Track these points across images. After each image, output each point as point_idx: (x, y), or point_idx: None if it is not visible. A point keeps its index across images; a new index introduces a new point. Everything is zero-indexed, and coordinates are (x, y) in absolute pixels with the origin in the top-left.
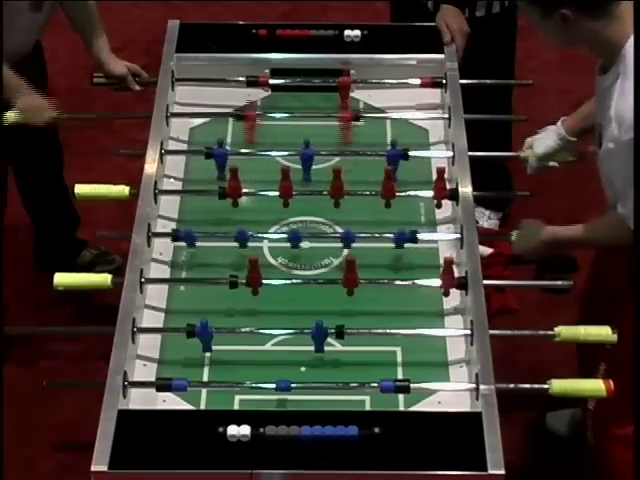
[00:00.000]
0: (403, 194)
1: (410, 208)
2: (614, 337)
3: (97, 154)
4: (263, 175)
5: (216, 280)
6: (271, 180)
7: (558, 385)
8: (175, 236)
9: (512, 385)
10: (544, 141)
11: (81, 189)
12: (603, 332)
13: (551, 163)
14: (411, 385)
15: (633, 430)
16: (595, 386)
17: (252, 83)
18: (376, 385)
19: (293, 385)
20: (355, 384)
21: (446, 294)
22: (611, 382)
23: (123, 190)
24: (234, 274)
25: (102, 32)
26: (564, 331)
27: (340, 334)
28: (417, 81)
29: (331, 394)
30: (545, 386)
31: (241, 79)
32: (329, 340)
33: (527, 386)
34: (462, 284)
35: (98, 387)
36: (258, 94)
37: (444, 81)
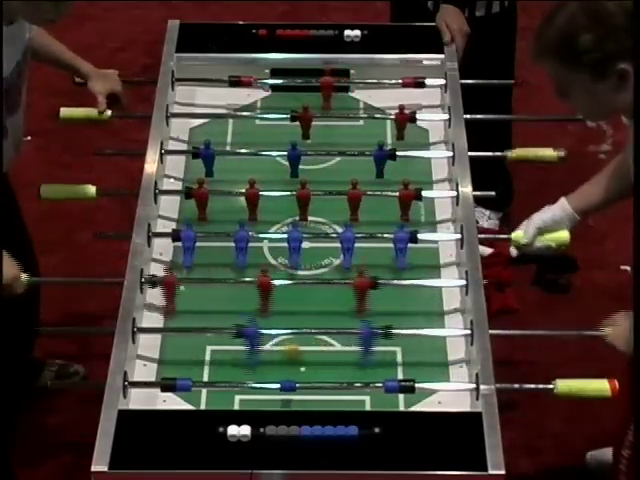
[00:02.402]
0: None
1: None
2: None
3: (97, 154)
4: (264, 175)
5: (216, 280)
6: (271, 180)
7: (563, 385)
8: (175, 236)
9: (516, 385)
10: (542, 214)
11: (46, 190)
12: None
13: (545, 243)
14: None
15: (634, 430)
16: (600, 386)
17: (234, 83)
18: (380, 385)
19: (305, 385)
20: (359, 384)
21: None
22: (616, 382)
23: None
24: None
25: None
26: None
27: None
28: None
29: (331, 394)
30: (550, 386)
31: None
32: (329, 340)
33: (531, 386)
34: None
35: (98, 387)
36: (258, 94)
37: (425, 81)
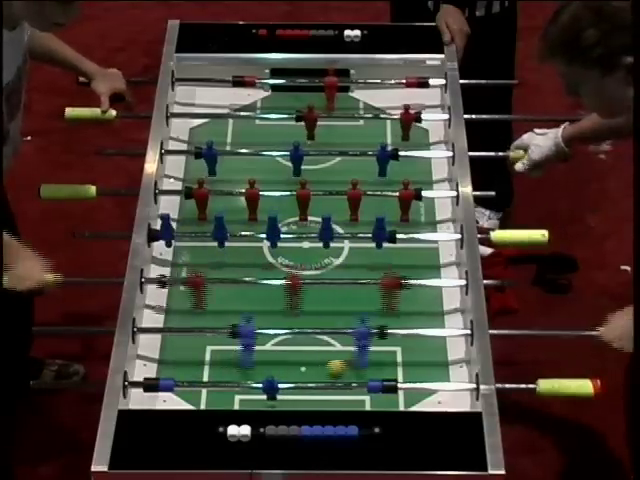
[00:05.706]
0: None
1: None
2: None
3: (97, 154)
4: (264, 175)
5: (216, 280)
6: (271, 180)
7: (545, 384)
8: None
9: (516, 385)
10: (541, 149)
11: (46, 189)
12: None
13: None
14: (411, 385)
15: (632, 429)
16: (582, 384)
17: (238, 83)
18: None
19: (292, 385)
20: (355, 384)
21: None
22: (598, 381)
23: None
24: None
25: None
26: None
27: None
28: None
29: (331, 394)
30: (532, 386)
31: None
32: (329, 340)
33: (513, 386)
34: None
35: (98, 387)
36: (258, 94)
37: (429, 81)
